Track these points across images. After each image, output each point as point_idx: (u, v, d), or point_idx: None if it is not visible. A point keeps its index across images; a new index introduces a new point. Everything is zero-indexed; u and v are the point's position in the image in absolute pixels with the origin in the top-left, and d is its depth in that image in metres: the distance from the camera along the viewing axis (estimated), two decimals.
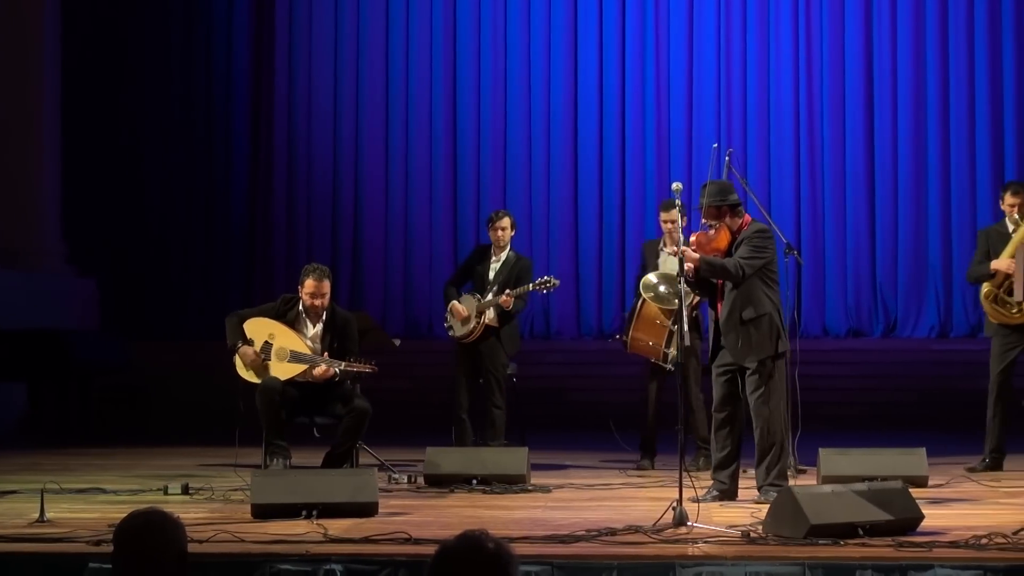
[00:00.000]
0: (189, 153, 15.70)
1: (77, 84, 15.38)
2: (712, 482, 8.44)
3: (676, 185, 8.05)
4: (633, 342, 10.09)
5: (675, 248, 8.20)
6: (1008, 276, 9.60)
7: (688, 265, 8.15)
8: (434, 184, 15.62)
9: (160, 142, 15.68)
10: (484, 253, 10.91)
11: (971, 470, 9.72)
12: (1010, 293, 9.61)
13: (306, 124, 15.75)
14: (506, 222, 10.79)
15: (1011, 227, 9.96)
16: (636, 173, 15.44)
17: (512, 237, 10.86)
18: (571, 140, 15.55)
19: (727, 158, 9.79)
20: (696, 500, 7.53)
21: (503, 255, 10.78)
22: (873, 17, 15.30)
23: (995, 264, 9.79)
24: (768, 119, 15.39)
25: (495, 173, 15.58)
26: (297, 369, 9.16)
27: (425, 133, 15.67)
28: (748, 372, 8.26)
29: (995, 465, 9.84)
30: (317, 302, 9.24)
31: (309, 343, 9.27)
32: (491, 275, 10.73)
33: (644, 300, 10.04)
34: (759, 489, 8.27)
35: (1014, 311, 9.72)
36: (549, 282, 10.64)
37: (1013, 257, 9.47)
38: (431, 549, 3.65)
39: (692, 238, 8.36)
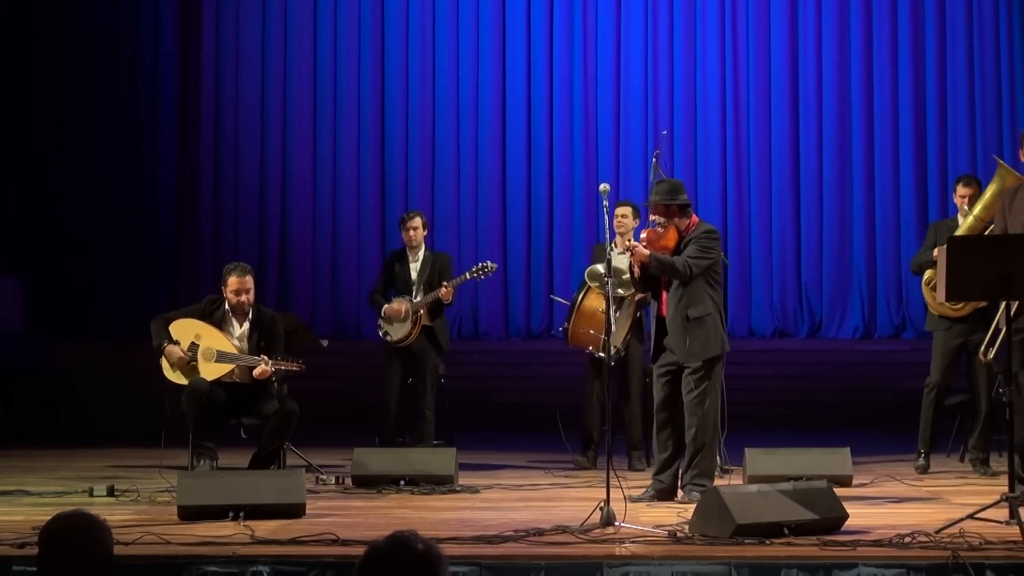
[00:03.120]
0: (115, 153, 15.55)
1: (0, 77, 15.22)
2: (652, 481, 8.51)
3: (604, 187, 8.08)
4: (574, 332, 10.07)
5: (627, 244, 8.29)
6: None
7: (632, 260, 8.26)
8: (362, 185, 15.58)
9: (85, 142, 15.51)
10: (400, 256, 10.99)
11: (923, 470, 9.72)
12: None
13: (233, 124, 15.64)
14: (417, 222, 10.93)
15: (962, 220, 9.99)
16: (564, 175, 15.47)
17: (425, 236, 10.97)
18: (499, 142, 15.56)
19: (654, 160, 9.85)
20: (632, 499, 7.75)
21: (420, 254, 10.87)
22: (798, 21, 15.42)
23: (938, 250, 9.69)
24: (695, 122, 15.46)
25: (423, 174, 15.55)
26: (224, 369, 9.14)
27: (353, 134, 15.62)
28: (688, 371, 8.31)
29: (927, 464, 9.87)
30: (242, 298, 9.24)
31: (236, 342, 9.26)
32: (414, 275, 10.84)
33: (588, 289, 10.06)
34: (682, 488, 8.35)
35: (956, 303, 9.66)
36: (486, 267, 10.73)
37: None
38: (359, 550, 3.65)
39: (643, 235, 8.42)
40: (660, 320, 8.48)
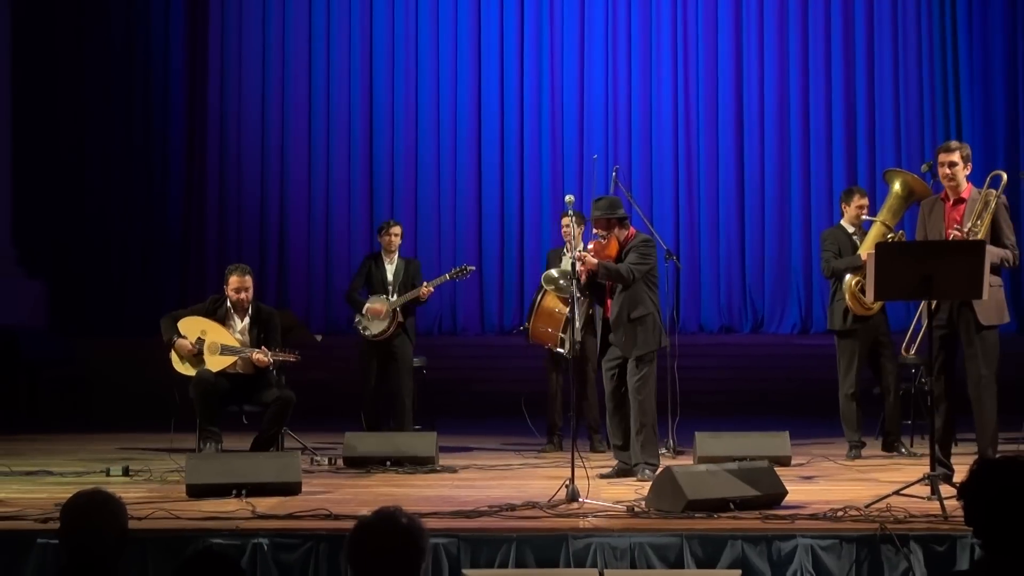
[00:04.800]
0: (128, 167, 15.47)
1: (25, 96, 15.12)
2: (616, 462, 8.62)
3: (569, 197, 8.17)
4: (534, 331, 10.16)
5: (578, 254, 8.42)
6: None
7: (580, 267, 8.32)
8: (352, 195, 15.55)
9: (102, 152, 15.43)
10: (376, 260, 10.94)
11: (855, 457, 9.56)
12: None
13: (236, 141, 15.58)
14: (398, 230, 10.99)
15: (851, 229, 9.89)
16: (533, 185, 15.49)
17: (400, 244, 10.96)
18: (475, 155, 15.56)
19: (614, 174, 9.91)
20: (600, 476, 8.07)
21: (396, 259, 10.86)
22: (743, 47, 15.47)
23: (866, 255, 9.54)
24: (650, 139, 15.50)
25: (407, 183, 15.54)
26: (228, 361, 9.13)
27: (344, 148, 15.60)
28: (631, 362, 8.46)
29: (860, 453, 9.77)
30: (242, 295, 9.26)
31: (238, 336, 9.24)
32: (390, 278, 10.80)
33: (545, 292, 10.11)
34: (634, 467, 8.39)
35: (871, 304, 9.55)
36: (465, 270, 10.76)
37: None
38: (350, 524, 3.64)
39: (590, 245, 8.58)
40: (605, 321, 8.66)
